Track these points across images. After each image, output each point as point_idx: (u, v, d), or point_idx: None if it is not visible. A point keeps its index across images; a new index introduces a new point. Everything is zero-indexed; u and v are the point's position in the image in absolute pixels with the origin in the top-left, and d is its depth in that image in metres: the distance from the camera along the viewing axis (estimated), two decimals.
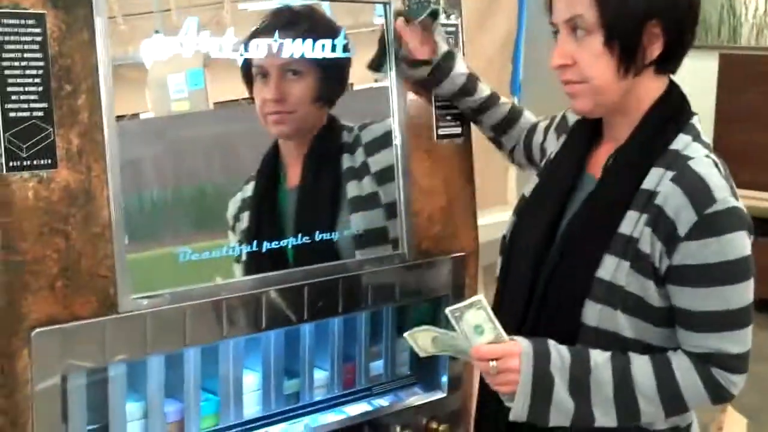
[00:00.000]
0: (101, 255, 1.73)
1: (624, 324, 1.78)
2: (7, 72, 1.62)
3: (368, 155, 2.18)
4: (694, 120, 1.85)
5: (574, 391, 1.78)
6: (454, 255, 2.30)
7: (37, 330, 1.67)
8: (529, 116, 2.33)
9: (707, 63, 7.81)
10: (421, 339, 1.89)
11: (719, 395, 1.79)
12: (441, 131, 2.28)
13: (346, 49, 2.10)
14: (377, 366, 2.33)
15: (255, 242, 1.98)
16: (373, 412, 2.25)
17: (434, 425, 2.30)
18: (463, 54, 2.32)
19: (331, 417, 2.21)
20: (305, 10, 2.08)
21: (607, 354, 1.78)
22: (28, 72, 1.65)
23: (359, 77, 2.20)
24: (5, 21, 1.62)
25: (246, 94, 1.99)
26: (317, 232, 2.07)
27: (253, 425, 2.09)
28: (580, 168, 1.93)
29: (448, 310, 1.79)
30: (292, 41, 2.00)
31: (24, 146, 1.64)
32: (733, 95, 7.59)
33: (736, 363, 1.78)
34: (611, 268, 1.77)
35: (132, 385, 1.90)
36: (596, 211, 1.84)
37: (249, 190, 2.02)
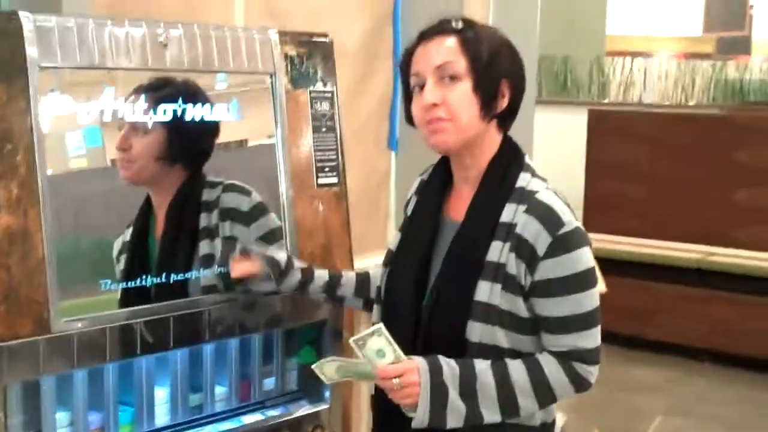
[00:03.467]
0: (37, 284, 2.05)
1: (501, 337, 2.06)
2: None
3: (222, 221, 2.45)
4: (527, 159, 2.18)
5: (465, 395, 2.03)
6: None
7: None
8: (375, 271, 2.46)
9: (578, 117, 8.21)
10: (327, 369, 2.11)
11: (580, 384, 2.10)
12: (320, 180, 2.62)
13: (237, 112, 2.43)
14: (269, 382, 2.62)
15: (162, 274, 2.31)
16: (266, 421, 2.55)
17: (318, 431, 2.64)
18: (339, 116, 2.69)
19: (230, 425, 2.50)
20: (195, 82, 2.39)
21: (488, 362, 2.05)
22: None
23: (248, 136, 2.52)
24: None
25: None
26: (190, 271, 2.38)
27: None
28: (438, 216, 2.22)
29: (351, 340, 2.01)
30: (193, 105, 2.34)
31: None
32: (601, 147, 7.95)
33: (591, 356, 2.10)
34: (486, 291, 2.06)
35: (59, 398, 2.18)
36: (466, 245, 2.11)
37: (127, 235, 2.31)
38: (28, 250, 2.05)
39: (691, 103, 9.24)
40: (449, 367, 2.03)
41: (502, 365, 2.07)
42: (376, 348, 2.01)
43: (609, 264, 6.07)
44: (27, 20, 2.08)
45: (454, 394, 2.03)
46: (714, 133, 7.77)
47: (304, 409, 2.65)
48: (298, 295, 2.43)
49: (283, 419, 2.59)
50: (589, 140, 8.05)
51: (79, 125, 2.18)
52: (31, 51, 2.07)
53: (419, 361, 2.03)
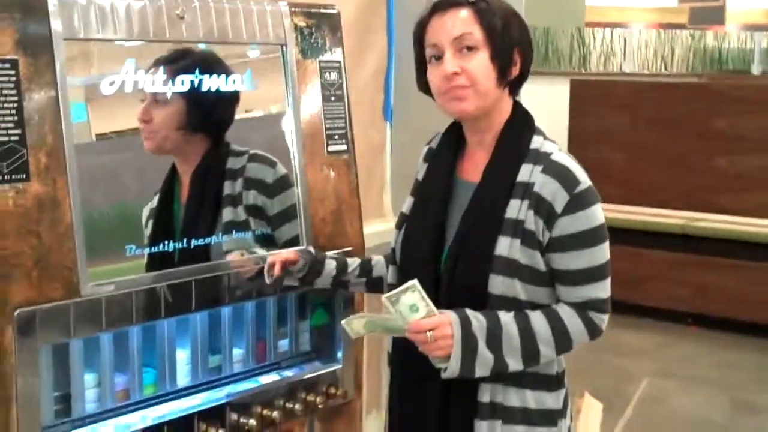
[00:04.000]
0: (66, 250, 2.13)
1: (520, 290, 2.17)
2: None
3: (246, 189, 2.53)
4: (537, 123, 2.29)
5: (492, 346, 2.13)
6: (344, 249, 2.72)
7: (19, 310, 2.06)
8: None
9: (560, 88, 8.32)
10: (355, 324, 2.19)
11: (594, 332, 2.22)
12: (330, 148, 2.71)
13: (251, 83, 2.51)
14: (284, 344, 2.71)
15: (185, 240, 2.39)
16: (281, 381, 2.64)
17: (332, 390, 2.72)
18: (347, 87, 2.76)
19: (247, 386, 2.58)
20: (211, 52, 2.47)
21: (511, 313, 2.16)
22: (5, 105, 2.05)
23: (260, 105, 2.60)
24: None
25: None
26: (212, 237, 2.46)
27: (185, 393, 2.48)
28: (451, 178, 2.32)
29: (384, 297, 2.09)
30: (209, 76, 2.41)
31: (5, 164, 2.04)
32: (583, 116, 8.10)
33: (604, 305, 2.23)
34: (506, 246, 2.16)
35: (87, 360, 2.27)
36: (486, 202, 2.21)
37: (154, 202, 2.39)
38: (57, 218, 2.12)
39: (670, 72, 9.34)
40: (477, 319, 2.14)
41: (524, 316, 2.17)
42: (410, 303, 2.09)
43: None
44: None
45: (482, 345, 2.13)
46: (694, 101, 7.89)
47: (317, 370, 2.74)
48: (332, 286, 2.55)
49: (298, 379, 2.68)
50: (572, 110, 8.19)
51: (102, 95, 2.24)
52: (56, 25, 2.14)
53: (451, 315, 2.13)
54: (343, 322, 2.21)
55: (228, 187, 2.51)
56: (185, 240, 2.40)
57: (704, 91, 8.20)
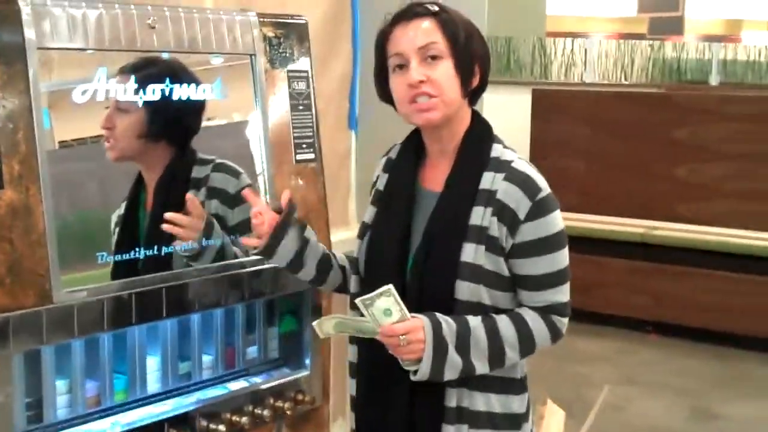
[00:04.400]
0: (38, 257, 2.15)
1: (485, 295, 2.22)
2: None
3: (208, 198, 2.55)
4: (498, 132, 2.34)
5: (460, 350, 2.18)
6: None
7: None
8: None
9: (522, 97, 8.42)
10: (325, 325, 2.22)
11: (556, 335, 2.29)
12: (298, 156, 2.74)
13: (221, 92, 2.54)
14: (252, 351, 2.74)
15: (153, 247, 2.41)
16: (250, 388, 2.67)
17: (300, 397, 2.74)
18: (314, 96, 2.79)
19: (217, 392, 2.61)
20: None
21: (479, 317, 2.21)
22: None
23: (229, 114, 2.63)
24: None
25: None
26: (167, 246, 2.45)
27: (156, 399, 2.50)
28: (414, 186, 2.35)
29: (358, 300, 2.13)
30: (180, 85, 2.44)
31: None
32: (544, 126, 8.18)
33: (565, 309, 2.29)
34: (471, 253, 2.21)
35: (58, 366, 2.29)
36: (449, 210, 2.25)
37: (122, 210, 2.42)
38: (29, 225, 2.14)
39: (630, 82, 9.45)
40: (447, 323, 2.18)
41: (491, 320, 2.22)
42: (384, 307, 2.13)
43: None
44: (24, 4, 2.16)
45: (451, 349, 2.18)
46: (653, 112, 7.98)
47: (285, 376, 2.77)
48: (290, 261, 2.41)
49: (266, 386, 2.70)
50: (533, 119, 8.27)
51: (74, 104, 2.27)
52: (29, 33, 2.16)
53: (423, 319, 2.17)
54: (314, 323, 2.24)
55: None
56: (153, 247, 2.42)
57: (664, 101, 8.32)
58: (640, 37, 12.65)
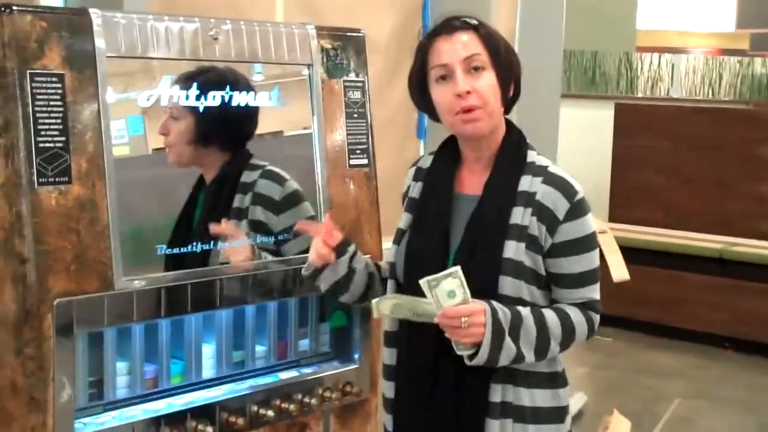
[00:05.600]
0: (102, 247, 2.34)
1: (525, 292, 2.35)
2: (38, 115, 2.24)
3: (253, 204, 2.70)
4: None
5: (514, 337, 2.28)
6: (364, 256, 2.85)
7: (58, 300, 2.27)
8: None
9: (605, 111, 8.44)
10: (383, 305, 2.31)
11: (592, 331, 2.43)
12: (352, 161, 2.89)
13: (278, 99, 2.72)
14: (304, 343, 2.89)
15: (211, 242, 2.60)
16: (300, 378, 2.82)
17: (348, 388, 2.89)
18: (370, 104, 2.96)
19: (268, 380, 2.77)
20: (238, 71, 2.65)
21: (528, 308, 2.34)
22: (52, 115, 2.27)
23: (287, 121, 2.79)
24: (37, 78, 2.25)
25: None
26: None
27: (210, 384, 2.67)
28: (451, 192, 2.47)
29: (424, 281, 2.20)
30: (239, 93, 2.61)
31: (49, 168, 2.26)
32: (627, 140, 8.20)
33: (599, 306, 2.44)
34: (513, 249, 2.33)
35: (119, 349, 2.48)
36: (491, 210, 2.38)
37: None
38: (95, 218, 2.34)
39: (717, 98, 9.40)
40: (502, 311, 2.30)
41: (539, 312, 2.36)
42: (448, 289, 2.22)
43: (634, 253, 6.32)
44: (96, 16, 2.36)
45: (507, 336, 2.29)
46: (738, 127, 7.95)
47: (335, 369, 2.92)
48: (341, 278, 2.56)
49: (316, 377, 2.86)
50: (616, 133, 8.28)
51: (139, 108, 2.47)
52: (99, 43, 2.36)
53: (485, 304, 2.28)
54: (373, 300, 2.33)
55: (237, 200, 2.69)
56: (205, 243, 2.60)
57: (748, 118, 8.27)
58: (741, 53, 12.52)
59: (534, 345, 2.33)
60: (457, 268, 2.23)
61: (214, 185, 2.65)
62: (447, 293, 2.22)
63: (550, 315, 2.37)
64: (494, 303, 2.30)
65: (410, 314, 2.33)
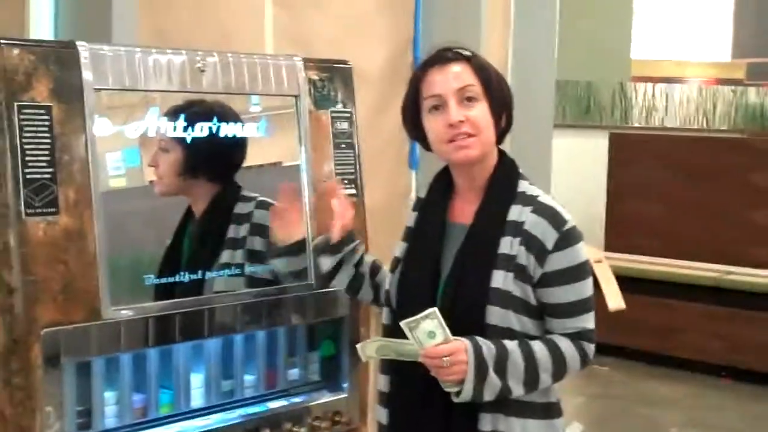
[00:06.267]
0: (90, 277, 2.36)
1: (514, 321, 2.35)
2: (25, 146, 2.27)
3: (251, 234, 2.74)
4: (521, 170, 2.51)
5: (499, 372, 2.29)
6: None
7: (46, 330, 2.29)
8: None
9: (599, 141, 8.49)
10: (368, 348, 2.36)
11: (585, 361, 2.42)
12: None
13: (266, 130, 2.74)
14: (293, 372, 2.90)
15: (199, 271, 2.62)
16: (290, 407, 2.83)
17: (338, 417, 2.90)
18: (358, 135, 2.98)
19: (257, 410, 2.78)
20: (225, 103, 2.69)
21: (515, 341, 2.34)
22: (40, 146, 2.30)
23: (274, 152, 2.83)
24: (25, 110, 2.28)
25: None
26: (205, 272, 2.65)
27: (199, 413, 2.68)
28: (443, 221, 2.50)
29: (403, 323, 2.26)
30: (226, 124, 2.64)
31: (37, 198, 2.28)
32: (622, 169, 8.23)
33: (592, 335, 2.43)
34: (501, 279, 2.34)
35: (107, 379, 2.48)
36: (479, 240, 2.40)
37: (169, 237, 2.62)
38: (82, 248, 2.36)
39: (712, 128, 9.45)
40: (487, 346, 2.31)
41: (527, 344, 2.35)
42: (428, 330, 2.26)
43: (630, 282, 6.35)
44: (83, 49, 2.40)
45: (491, 371, 2.30)
46: (733, 156, 7.98)
47: (324, 398, 2.93)
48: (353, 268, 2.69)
49: (305, 406, 2.87)
50: (610, 162, 8.33)
51: (128, 140, 2.50)
52: (87, 75, 2.39)
53: (466, 342, 2.29)
54: (358, 345, 2.39)
55: (232, 230, 2.73)
56: (194, 272, 2.62)
57: (743, 147, 8.31)
58: (738, 82, 12.57)
59: (522, 378, 2.34)
60: (434, 309, 2.26)
61: (205, 216, 2.68)
62: (427, 334, 2.26)
63: (539, 347, 2.37)
64: (478, 339, 2.31)
65: (395, 355, 2.36)
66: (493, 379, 2.30)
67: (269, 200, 2.77)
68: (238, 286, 2.72)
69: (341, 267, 2.67)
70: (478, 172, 2.46)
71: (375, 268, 2.72)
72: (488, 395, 2.31)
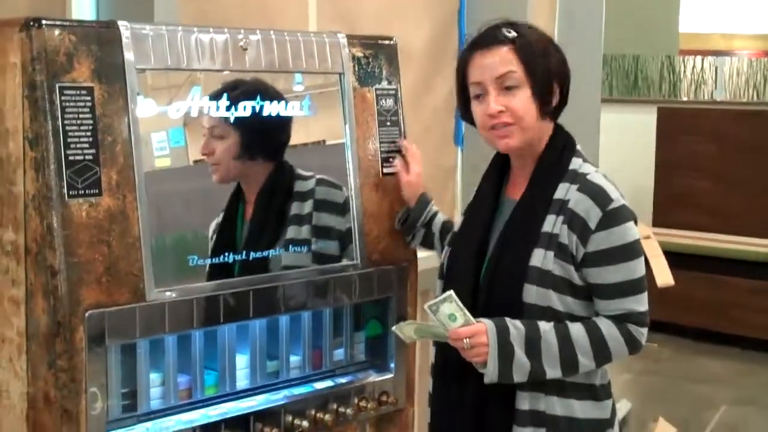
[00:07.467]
0: (133, 259, 2.35)
1: (556, 300, 2.35)
2: (67, 128, 2.25)
3: (316, 210, 2.73)
4: (579, 147, 2.47)
5: (529, 353, 2.30)
6: (397, 264, 2.89)
7: (90, 312, 2.28)
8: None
9: (648, 116, 8.39)
10: (406, 330, 2.44)
11: (634, 345, 2.38)
12: (385, 170, 2.88)
13: (310, 109, 2.71)
14: (339, 353, 2.88)
15: (245, 252, 2.59)
16: (335, 388, 2.81)
17: (384, 398, 2.88)
18: (403, 112, 2.94)
19: (302, 391, 2.76)
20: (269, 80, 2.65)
21: (551, 323, 2.33)
22: (82, 127, 2.27)
23: (320, 130, 2.78)
24: (66, 92, 2.25)
25: None
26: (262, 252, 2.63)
27: (243, 395, 2.66)
28: (497, 197, 2.51)
29: (426, 306, 2.29)
30: (270, 102, 2.61)
31: (79, 180, 2.27)
32: (671, 144, 8.13)
33: (643, 318, 2.38)
34: (540, 258, 2.34)
35: (152, 360, 2.47)
36: (523, 217, 2.42)
37: (219, 218, 2.58)
38: (125, 229, 2.34)
39: (762, 100, 9.28)
40: (515, 327, 2.30)
41: (564, 326, 2.33)
42: (448, 313, 2.28)
43: (678, 258, 6.29)
44: (125, 28, 2.37)
45: (519, 352, 2.30)
46: None
47: (370, 378, 2.91)
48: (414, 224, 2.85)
49: (351, 386, 2.85)
50: (659, 137, 8.23)
51: (171, 120, 2.46)
52: (128, 55, 2.36)
53: (487, 323, 2.30)
54: (394, 328, 2.43)
55: (296, 208, 2.71)
56: (245, 253, 2.59)
57: None
58: None
59: (559, 360, 2.32)
60: (450, 293, 2.28)
61: (263, 194, 2.65)
62: (448, 317, 2.29)
63: (576, 329, 2.34)
64: (507, 320, 2.31)
65: (431, 336, 2.43)
66: (520, 360, 2.30)
67: (326, 177, 2.76)
68: (294, 265, 2.69)
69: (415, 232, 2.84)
70: (528, 150, 2.45)
71: (445, 230, 2.78)
72: (518, 377, 2.31)
